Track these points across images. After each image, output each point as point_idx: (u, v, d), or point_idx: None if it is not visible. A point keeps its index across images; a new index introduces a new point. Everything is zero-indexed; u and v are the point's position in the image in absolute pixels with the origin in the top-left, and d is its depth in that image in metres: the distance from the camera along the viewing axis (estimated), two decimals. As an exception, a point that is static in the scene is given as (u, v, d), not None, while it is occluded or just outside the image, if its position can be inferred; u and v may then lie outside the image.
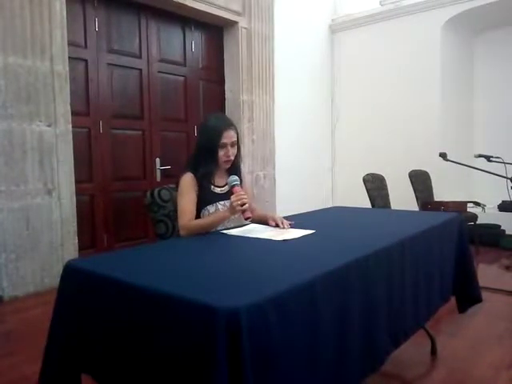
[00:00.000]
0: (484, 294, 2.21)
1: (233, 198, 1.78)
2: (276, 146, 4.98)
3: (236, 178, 1.88)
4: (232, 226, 1.93)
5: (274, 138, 4.94)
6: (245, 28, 4.57)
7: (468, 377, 1.95)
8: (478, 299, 2.14)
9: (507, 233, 4.68)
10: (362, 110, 5.70)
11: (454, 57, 5.30)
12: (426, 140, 5.05)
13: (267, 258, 1.37)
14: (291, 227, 1.82)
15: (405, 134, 5.29)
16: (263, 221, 1.96)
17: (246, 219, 1.80)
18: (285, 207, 4.69)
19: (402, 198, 4.09)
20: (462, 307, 2.15)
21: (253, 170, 4.70)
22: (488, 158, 3.58)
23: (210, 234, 1.78)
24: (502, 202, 4.76)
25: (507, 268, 3.72)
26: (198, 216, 1.91)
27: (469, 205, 4.26)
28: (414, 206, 4.18)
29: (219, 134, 1.90)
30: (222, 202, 1.95)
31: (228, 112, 4.63)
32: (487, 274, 3.61)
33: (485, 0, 4.77)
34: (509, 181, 3.28)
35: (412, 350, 2.12)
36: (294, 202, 4.85)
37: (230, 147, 1.94)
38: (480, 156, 3.60)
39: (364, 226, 1.98)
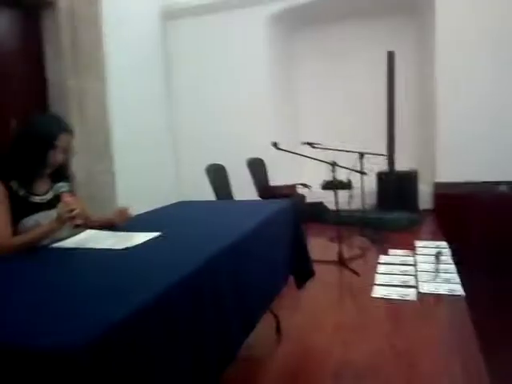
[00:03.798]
0: (316, 267, 2.48)
1: (60, 206, 1.57)
2: (113, 138, 4.66)
3: (63, 184, 1.70)
4: (66, 236, 1.68)
5: (109, 129, 4.61)
6: (65, 9, 4.10)
7: (310, 344, 2.19)
8: (311, 274, 2.41)
9: (330, 208, 5.37)
10: (201, 100, 5.76)
11: (278, 51, 5.76)
12: (260, 129, 5.40)
13: (108, 273, 1.24)
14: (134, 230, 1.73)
15: (242, 123, 5.56)
16: (106, 224, 1.82)
17: (76, 227, 1.63)
18: (127, 203, 4.47)
19: (244, 185, 4.32)
20: (300, 284, 2.39)
21: (87, 165, 4.32)
22: (312, 145, 4.06)
23: (36, 250, 1.52)
24: (324, 181, 5.46)
25: (331, 240, 4.27)
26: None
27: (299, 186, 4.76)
28: (254, 192, 4.45)
29: (54, 137, 1.68)
30: (42, 214, 1.69)
31: (53, 100, 4.13)
32: (316, 247, 4.08)
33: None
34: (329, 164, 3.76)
35: (259, 331, 2.27)
36: (137, 196, 4.63)
37: (62, 152, 1.73)
38: (305, 143, 4.06)
39: (209, 222, 2.01)
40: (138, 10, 5.28)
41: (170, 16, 5.74)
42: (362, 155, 4.15)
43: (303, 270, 2.37)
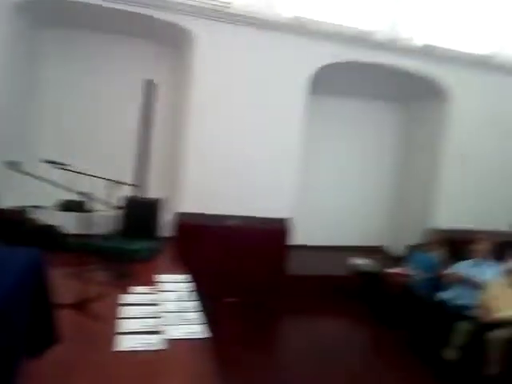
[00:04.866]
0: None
1: None
2: None
3: None
4: None
5: None
6: None
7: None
8: (54, 341, 2.01)
9: (69, 232, 4.76)
10: None
11: (21, 53, 4.84)
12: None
13: None
14: None
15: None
16: None
17: None
18: None
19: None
20: (36, 353, 1.95)
21: None
22: (55, 164, 3.57)
23: None
24: (59, 200, 4.71)
25: (67, 275, 3.76)
26: None
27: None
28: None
29: None
30: None
31: None
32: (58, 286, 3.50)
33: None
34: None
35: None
36: None
37: None
38: (46, 161, 3.55)
39: None
40: None
41: None
42: (115, 182, 3.90)
43: (43, 339, 1.95)
